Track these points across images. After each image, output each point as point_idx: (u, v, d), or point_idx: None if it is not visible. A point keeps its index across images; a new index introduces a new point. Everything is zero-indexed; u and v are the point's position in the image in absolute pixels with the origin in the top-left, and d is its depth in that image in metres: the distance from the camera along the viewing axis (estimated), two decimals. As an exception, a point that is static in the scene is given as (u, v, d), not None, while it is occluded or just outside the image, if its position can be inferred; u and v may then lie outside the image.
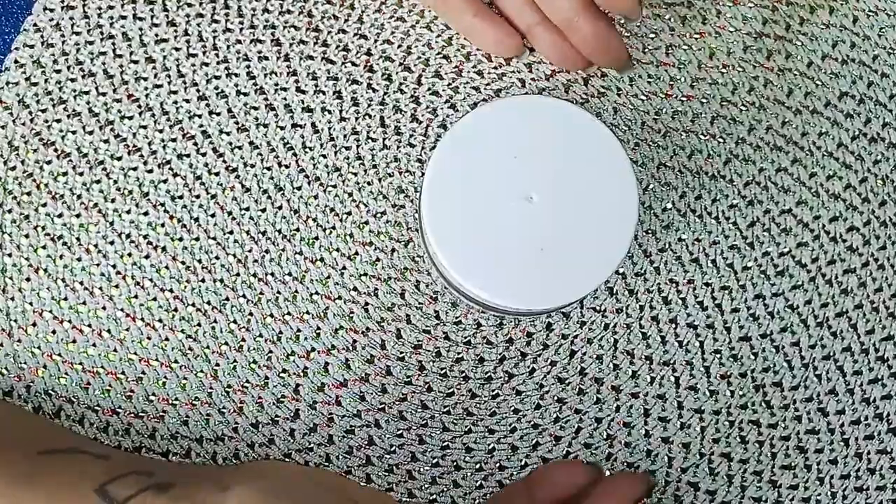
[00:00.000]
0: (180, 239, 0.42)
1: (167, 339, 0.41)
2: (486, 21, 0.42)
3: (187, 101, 0.43)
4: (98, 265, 0.41)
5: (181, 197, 0.42)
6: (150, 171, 0.42)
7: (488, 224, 0.36)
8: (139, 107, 0.43)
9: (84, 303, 0.41)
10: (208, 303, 0.41)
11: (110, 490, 0.35)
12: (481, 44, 0.43)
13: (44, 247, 0.42)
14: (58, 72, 0.43)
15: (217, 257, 0.42)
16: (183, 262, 0.42)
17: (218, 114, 0.43)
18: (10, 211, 0.42)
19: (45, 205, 0.42)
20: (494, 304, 0.36)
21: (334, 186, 0.42)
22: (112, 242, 0.42)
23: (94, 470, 0.36)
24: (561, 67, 0.43)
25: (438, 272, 0.40)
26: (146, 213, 0.42)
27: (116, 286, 0.41)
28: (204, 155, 0.42)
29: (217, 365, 0.41)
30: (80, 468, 0.36)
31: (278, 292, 0.41)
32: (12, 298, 0.41)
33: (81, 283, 0.41)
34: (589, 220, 0.36)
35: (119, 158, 0.42)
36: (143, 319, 0.41)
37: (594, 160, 0.36)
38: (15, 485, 0.34)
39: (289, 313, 0.41)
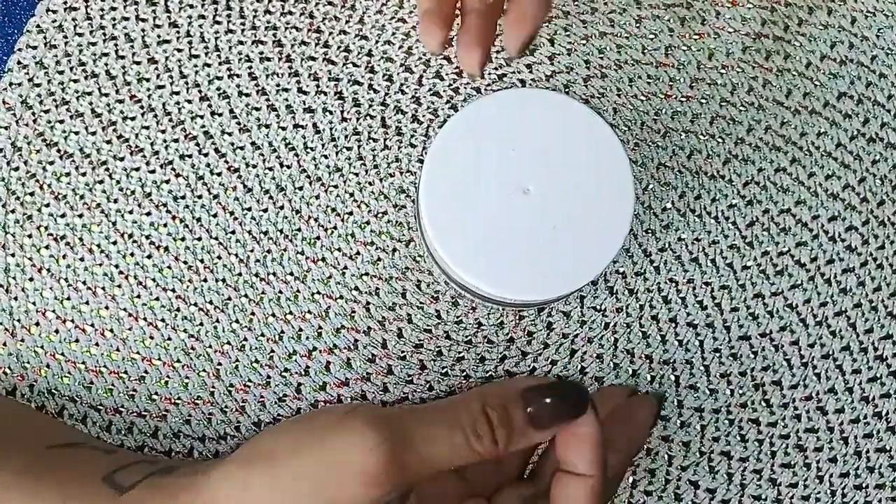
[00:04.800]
0: (183, 239, 0.42)
1: (170, 338, 0.41)
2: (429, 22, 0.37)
3: (189, 101, 0.43)
4: (101, 265, 0.42)
5: (183, 197, 0.42)
6: (153, 172, 0.42)
7: (485, 216, 0.36)
8: (141, 107, 0.43)
9: (87, 302, 0.41)
10: (210, 302, 0.41)
11: (118, 477, 0.35)
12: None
13: (47, 247, 0.42)
14: (60, 73, 0.43)
15: (219, 257, 0.42)
16: (185, 262, 0.42)
17: (220, 114, 0.43)
18: (13, 211, 0.42)
19: (47, 205, 0.42)
20: (491, 295, 0.36)
21: (336, 187, 0.42)
22: (115, 242, 0.42)
23: (100, 461, 0.36)
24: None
25: (437, 264, 0.40)
26: (149, 214, 0.42)
27: (119, 286, 0.41)
28: (206, 155, 0.43)
29: (219, 364, 0.41)
30: (87, 460, 0.37)
31: (280, 292, 0.41)
32: (15, 298, 0.41)
33: (84, 283, 0.41)
34: (586, 212, 0.36)
35: (122, 159, 0.43)
36: (145, 319, 0.41)
37: (590, 151, 0.36)
38: (25, 476, 0.35)
39: (291, 313, 0.41)
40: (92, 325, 0.41)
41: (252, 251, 0.42)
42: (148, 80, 0.43)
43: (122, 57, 0.43)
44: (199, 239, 0.42)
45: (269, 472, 0.32)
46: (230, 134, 0.43)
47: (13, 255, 0.42)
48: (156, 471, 0.35)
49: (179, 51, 0.44)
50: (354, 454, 0.32)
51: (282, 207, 0.42)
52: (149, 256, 0.42)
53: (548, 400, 0.33)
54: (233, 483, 0.33)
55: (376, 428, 0.32)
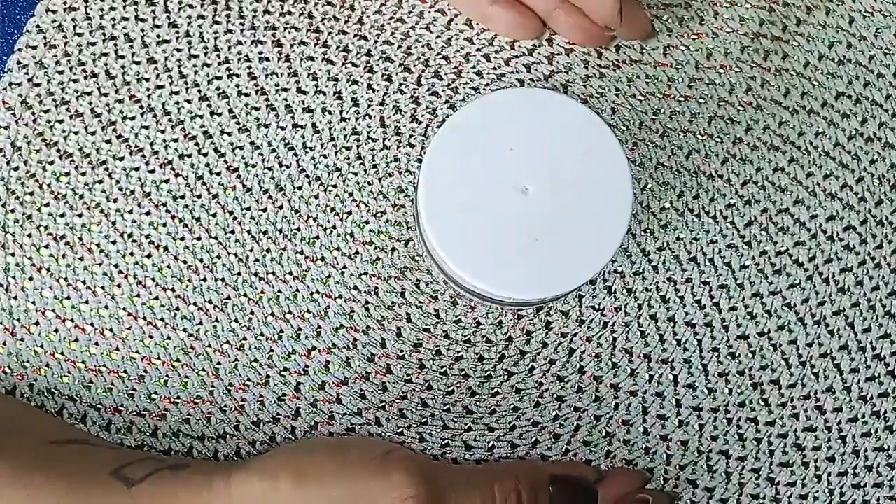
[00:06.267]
0: (182, 238, 0.42)
1: (169, 337, 0.41)
2: (503, 7, 0.42)
3: (189, 101, 0.43)
4: (100, 264, 0.42)
5: (183, 197, 0.42)
6: (152, 171, 0.43)
7: (484, 215, 0.36)
8: (141, 107, 0.43)
9: (86, 302, 0.41)
10: (210, 302, 0.41)
11: (126, 472, 0.35)
12: (500, 29, 0.43)
13: (46, 246, 0.42)
14: (60, 72, 0.43)
15: (218, 256, 0.42)
16: (184, 262, 0.42)
17: (219, 114, 0.43)
18: (13, 210, 0.42)
19: (47, 204, 0.42)
20: (490, 294, 0.36)
21: (335, 186, 0.43)
22: (114, 242, 0.42)
23: (106, 456, 0.37)
24: (583, 46, 0.43)
25: (435, 263, 0.40)
26: (148, 213, 0.42)
27: (118, 285, 0.42)
28: (205, 155, 0.43)
29: (218, 363, 0.41)
30: (92, 455, 0.37)
31: (279, 291, 0.42)
32: (15, 297, 0.41)
33: (84, 283, 0.42)
34: (584, 211, 0.36)
35: (121, 158, 0.43)
36: (144, 318, 0.41)
37: (588, 151, 0.36)
38: (28, 470, 0.35)
39: (290, 312, 0.41)
40: (91, 325, 0.41)
41: (251, 250, 0.42)
42: (147, 79, 0.43)
43: (122, 57, 0.44)
44: (199, 238, 0.42)
45: (296, 490, 0.33)
46: (229, 134, 0.43)
47: (13, 254, 0.42)
48: (165, 466, 0.35)
49: (179, 51, 0.44)
50: (387, 501, 0.32)
51: (281, 207, 0.42)
52: (148, 256, 0.42)
53: (564, 490, 0.36)
54: (255, 493, 0.33)
55: (413, 481, 0.33)
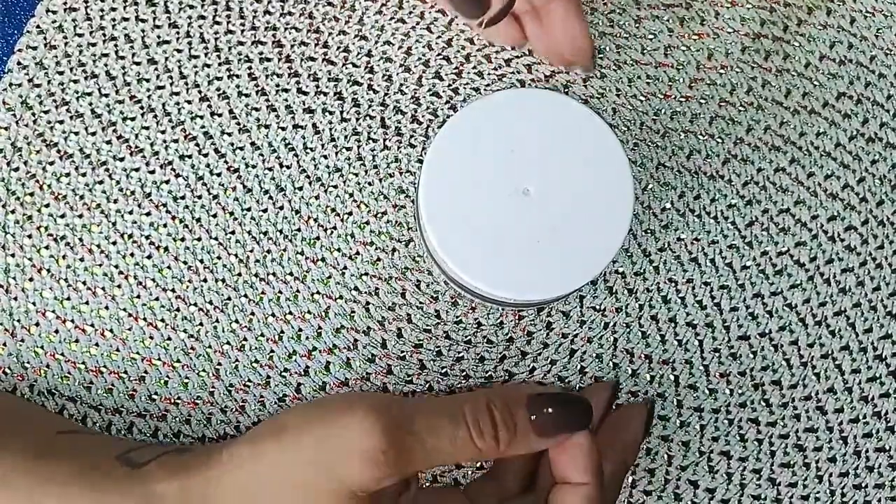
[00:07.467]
0: (182, 239, 0.42)
1: (169, 338, 0.41)
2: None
3: (189, 102, 0.43)
4: (100, 265, 0.42)
5: (183, 197, 0.42)
6: (153, 172, 0.42)
7: (485, 216, 0.36)
8: (141, 108, 0.43)
9: (87, 303, 0.41)
10: (210, 302, 0.41)
11: (132, 456, 0.35)
12: (483, 33, 0.43)
13: (46, 247, 0.42)
14: (60, 73, 0.43)
15: (219, 257, 0.42)
16: (185, 263, 0.42)
17: (220, 115, 0.43)
18: (13, 211, 0.42)
19: (47, 205, 0.42)
20: (491, 295, 0.36)
21: (335, 187, 0.42)
22: (114, 243, 0.42)
23: (112, 443, 0.37)
24: (549, 61, 0.43)
25: (436, 264, 0.40)
26: (148, 214, 0.42)
27: (119, 286, 0.42)
28: (206, 156, 0.43)
29: (219, 364, 0.41)
30: (98, 442, 0.37)
31: (280, 292, 0.42)
32: (15, 298, 0.41)
33: (84, 283, 0.41)
34: (585, 212, 0.36)
35: (121, 159, 0.43)
36: (145, 319, 0.41)
37: (589, 152, 0.36)
38: (40, 459, 0.35)
39: (290, 313, 0.41)
40: (92, 326, 0.41)
41: (252, 251, 0.42)
42: (148, 80, 0.43)
43: (122, 57, 0.44)
44: (199, 239, 0.42)
45: (277, 444, 0.33)
46: (230, 134, 0.43)
47: (13, 255, 0.42)
48: (170, 450, 0.36)
49: (179, 51, 0.44)
50: (355, 433, 0.32)
51: (281, 208, 0.42)
52: (148, 257, 0.42)
53: (550, 410, 0.34)
54: (242, 454, 0.34)
55: (378, 411, 0.33)
